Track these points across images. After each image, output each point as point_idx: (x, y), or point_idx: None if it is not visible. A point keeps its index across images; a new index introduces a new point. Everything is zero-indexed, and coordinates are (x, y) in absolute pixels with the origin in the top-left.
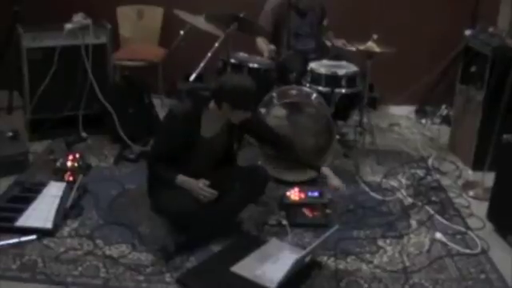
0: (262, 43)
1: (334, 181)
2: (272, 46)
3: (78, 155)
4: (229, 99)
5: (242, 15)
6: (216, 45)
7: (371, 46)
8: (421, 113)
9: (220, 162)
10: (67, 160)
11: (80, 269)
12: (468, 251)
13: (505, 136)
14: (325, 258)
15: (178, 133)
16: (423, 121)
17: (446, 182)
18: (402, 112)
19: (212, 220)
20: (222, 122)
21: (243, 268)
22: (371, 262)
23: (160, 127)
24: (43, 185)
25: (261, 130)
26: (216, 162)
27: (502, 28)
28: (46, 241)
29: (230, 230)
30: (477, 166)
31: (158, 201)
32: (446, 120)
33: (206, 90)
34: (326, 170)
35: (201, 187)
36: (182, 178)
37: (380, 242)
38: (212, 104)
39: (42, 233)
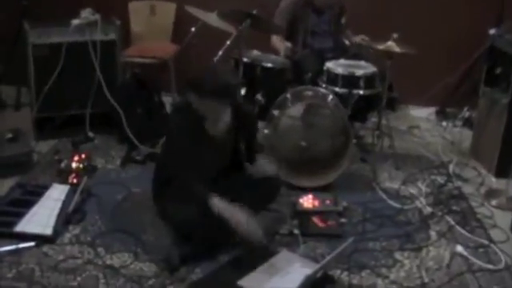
0: (277, 41)
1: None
2: (288, 44)
3: (83, 156)
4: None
5: (255, 12)
6: (228, 42)
7: (391, 45)
8: (441, 115)
9: (229, 169)
10: (72, 161)
11: (79, 279)
12: (491, 267)
13: None
14: (338, 272)
15: (188, 125)
16: (444, 123)
17: (467, 189)
18: (421, 114)
19: (219, 230)
20: (226, 121)
21: (251, 282)
22: (387, 277)
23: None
24: (46, 187)
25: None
26: (224, 166)
27: None
28: (45, 248)
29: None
30: (500, 173)
31: (163, 208)
32: (467, 123)
33: None
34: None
35: (250, 222)
36: (219, 202)
37: (397, 255)
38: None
39: (41, 239)
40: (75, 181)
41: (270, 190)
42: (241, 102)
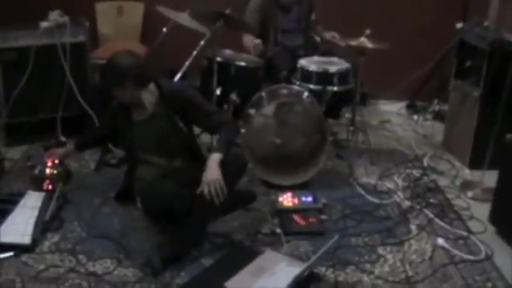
0: (247, 40)
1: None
2: (257, 40)
3: (57, 161)
4: None
5: (227, 12)
6: (202, 43)
7: (363, 41)
8: (412, 108)
9: (186, 156)
10: (46, 167)
11: None
12: (472, 258)
13: (508, 135)
14: (323, 269)
15: (110, 114)
16: (415, 117)
17: (442, 182)
18: (392, 108)
19: (196, 211)
20: (151, 103)
21: (238, 283)
22: (372, 273)
23: None
24: (20, 195)
25: (195, 114)
26: (170, 148)
27: (491, 20)
28: (24, 257)
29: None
30: (474, 165)
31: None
32: (438, 116)
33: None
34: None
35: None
36: None
37: (380, 250)
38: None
39: (19, 249)
40: (50, 187)
41: (237, 165)
42: (165, 81)
